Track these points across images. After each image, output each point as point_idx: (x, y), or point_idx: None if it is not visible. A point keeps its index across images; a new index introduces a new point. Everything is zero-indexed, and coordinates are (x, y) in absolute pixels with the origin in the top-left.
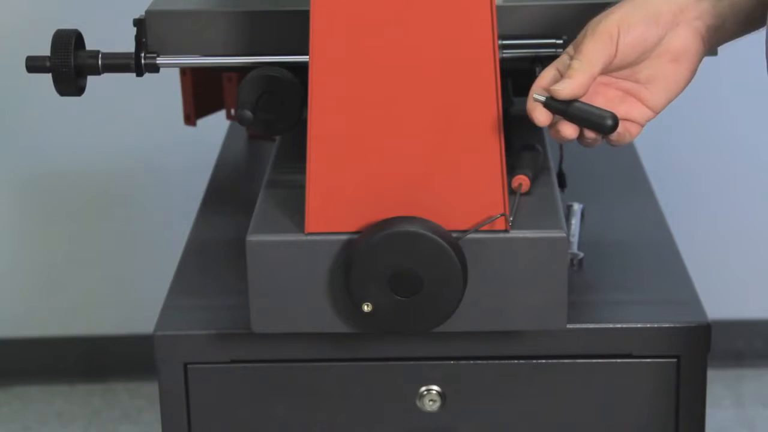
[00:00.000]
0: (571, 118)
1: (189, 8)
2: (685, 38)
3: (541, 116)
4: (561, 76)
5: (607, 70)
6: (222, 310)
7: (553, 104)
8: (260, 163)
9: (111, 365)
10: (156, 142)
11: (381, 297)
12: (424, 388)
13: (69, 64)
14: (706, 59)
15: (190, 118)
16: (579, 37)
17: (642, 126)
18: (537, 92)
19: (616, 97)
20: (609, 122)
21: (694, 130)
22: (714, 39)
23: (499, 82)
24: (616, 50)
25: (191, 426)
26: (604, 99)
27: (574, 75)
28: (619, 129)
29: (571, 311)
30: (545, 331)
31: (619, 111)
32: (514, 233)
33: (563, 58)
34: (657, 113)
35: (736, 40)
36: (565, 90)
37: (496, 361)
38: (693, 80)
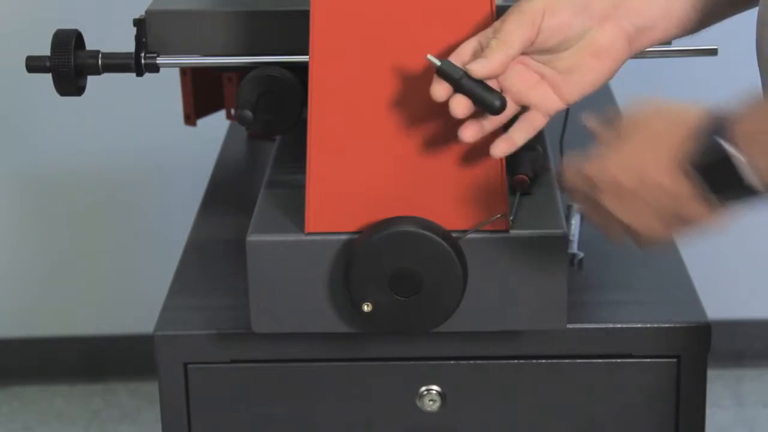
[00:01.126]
0: (462, 91)
1: (189, 8)
2: (612, 36)
3: (438, 91)
4: (481, 50)
5: (527, 51)
6: (222, 310)
7: (446, 73)
8: (260, 163)
9: (111, 365)
10: (156, 142)
11: (381, 297)
12: (424, 388)
13: (69, 64)
14: (706, 60)
15: (190, 118)
16: (506, 12)
17: (547, 118)
18: (439, 59)
19: (532, 80)
20: (497, 103)
21: None
22: (641, 41)
23: None
24: (537, 33)
25: (191, 426)
26: (519, 79)
27: (490, 55)
28: (524, 118)
29: (571, 311)
30: (545, 331)
31: (532, 96)
32: (514, 233)
33: (487, 32)
34: (567, 105)
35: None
36: (480, 70)
37: (496, 361)
38: (692, 81)
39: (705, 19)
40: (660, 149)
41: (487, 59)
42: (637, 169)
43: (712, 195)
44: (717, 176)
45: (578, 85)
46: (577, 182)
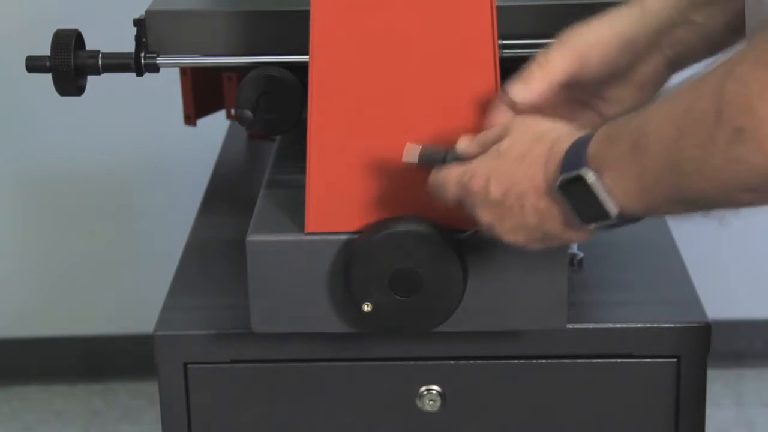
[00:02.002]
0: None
1: (189, 8)
2: (655, 66)
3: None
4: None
5: (573, 83)
6: (222, 310)
7: (429, 159)
8: (260, 163)
9: (111, 365)
10: (156, 142)
11: (381, 297)
12: (424, 388)
13: (69, 64)
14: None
15: (190, 118)
16: (552, 44)
17: None
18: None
19: (578, 106)
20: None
21: None
22: (680, 66)
23: (499, 82)
24: (581, 66)
25: (191, 426)
26: (566, 108)
27: (531, 80)
28: None
29: (571, 311)
30: (545, 331)
31: (581, 120)
32: None
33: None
34: None
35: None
36: (519, 94)
37: (496, 361)
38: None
39: (738, 34)
40: (534, 170)
41: (526, 85)
42: (510, 184)
43: (575, 217)
44: (578, 199)
45: (620, 111)
46: (451, 182)
